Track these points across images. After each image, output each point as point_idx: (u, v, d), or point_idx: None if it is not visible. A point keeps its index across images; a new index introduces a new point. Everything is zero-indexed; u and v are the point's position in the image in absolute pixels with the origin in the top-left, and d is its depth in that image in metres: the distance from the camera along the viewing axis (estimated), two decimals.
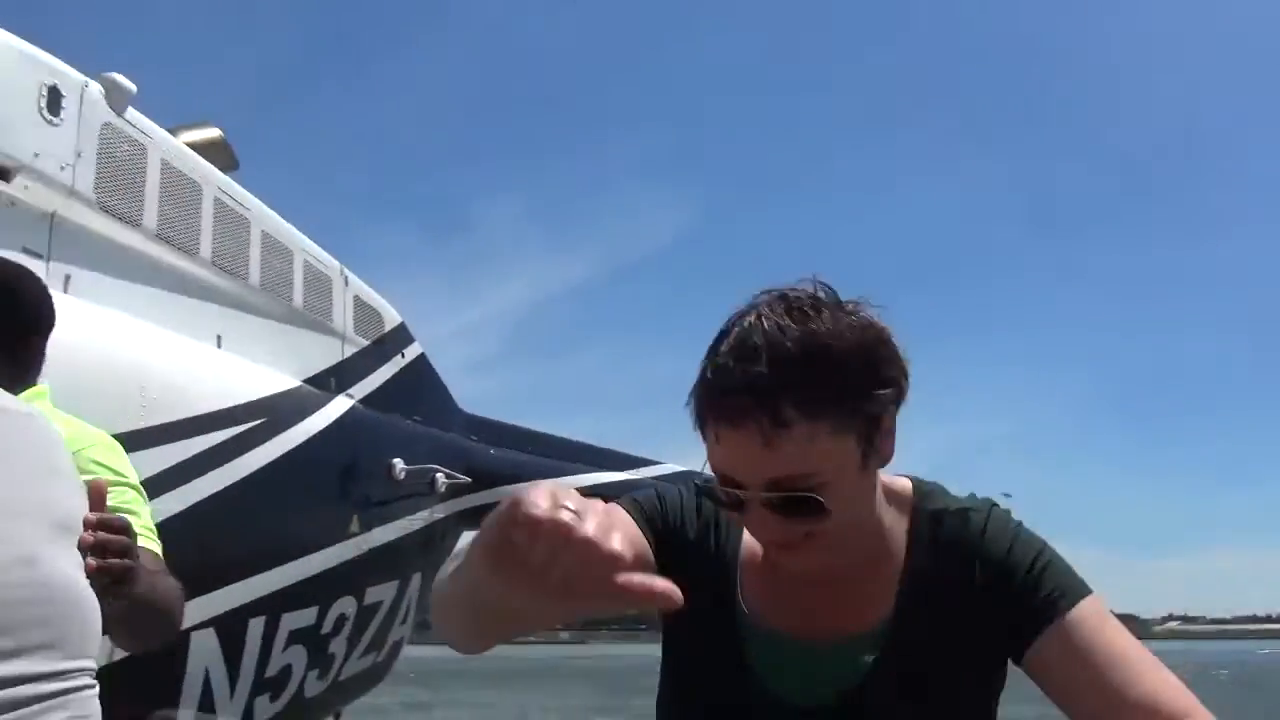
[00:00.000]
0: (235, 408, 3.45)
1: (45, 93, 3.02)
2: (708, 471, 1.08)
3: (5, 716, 1.18)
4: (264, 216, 4.00)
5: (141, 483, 2.61)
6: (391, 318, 4.82)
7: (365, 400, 4.36)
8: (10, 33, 2.96)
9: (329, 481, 3.91)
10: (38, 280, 1.93)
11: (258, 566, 3.36)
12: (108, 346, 3.03)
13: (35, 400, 1.80)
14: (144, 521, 1.75)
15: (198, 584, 3.05)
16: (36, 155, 2.95)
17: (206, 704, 3.08)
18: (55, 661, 1.22)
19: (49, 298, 1.89)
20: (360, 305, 4.56)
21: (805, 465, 1.00)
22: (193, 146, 3.85)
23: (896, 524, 1.16)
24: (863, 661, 1.12)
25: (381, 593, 4.28)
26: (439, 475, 4.63)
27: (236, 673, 3.23)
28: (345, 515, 3.92)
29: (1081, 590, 1.11)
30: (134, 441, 2.94)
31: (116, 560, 1.29)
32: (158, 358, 3.22)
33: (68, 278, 3.04)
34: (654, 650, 1.28)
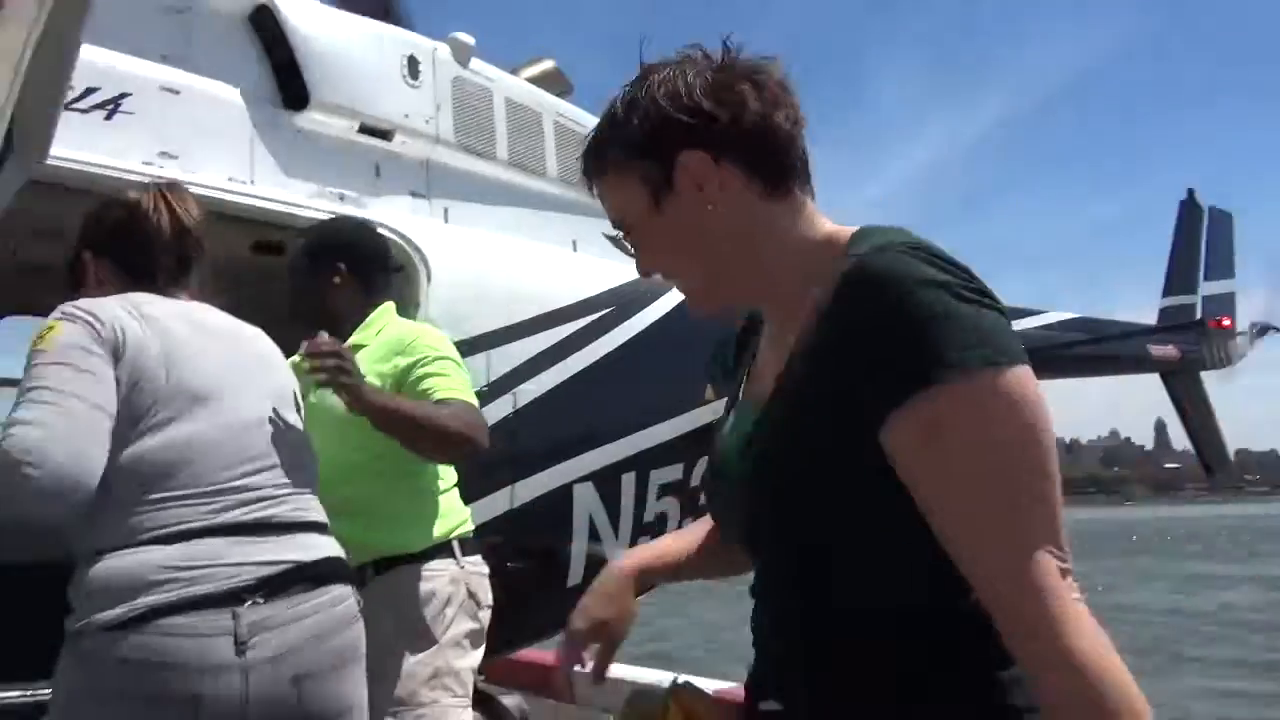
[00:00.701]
0: (594, 298, 4.03)
1: (405, 63, 3.72)
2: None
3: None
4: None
5: (521, 365, 3.35)
6: None
7: None
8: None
9: (680, 354, 4.40)
10: (372, 229, 2.66)
11: (625, 430, 3.95)
12: (484, 261, 3.71)
13: (383, 313, 2.48)
14: (451, 380, 2.31)
15: (576, 444, 3.73)
16: (407, 116, 3.67)
17: (595, 538, 3.75)
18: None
19: (382, 241, 2.62)
20: None
21: (616, 211, 1.17)
22: (532, 80, 4.45)
23: (823, 273, 1.02)
24: (759, 422, 1.09)
25: None
26: None
27: (616, 518, 3.87)
28: (699, 382, 4.39)
29: (972, 361, 0.90)
30: (514, 333, 3.64)
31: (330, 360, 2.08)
32: (525, 265, 3.87)
33: (446, 210, 3.77)
34: None
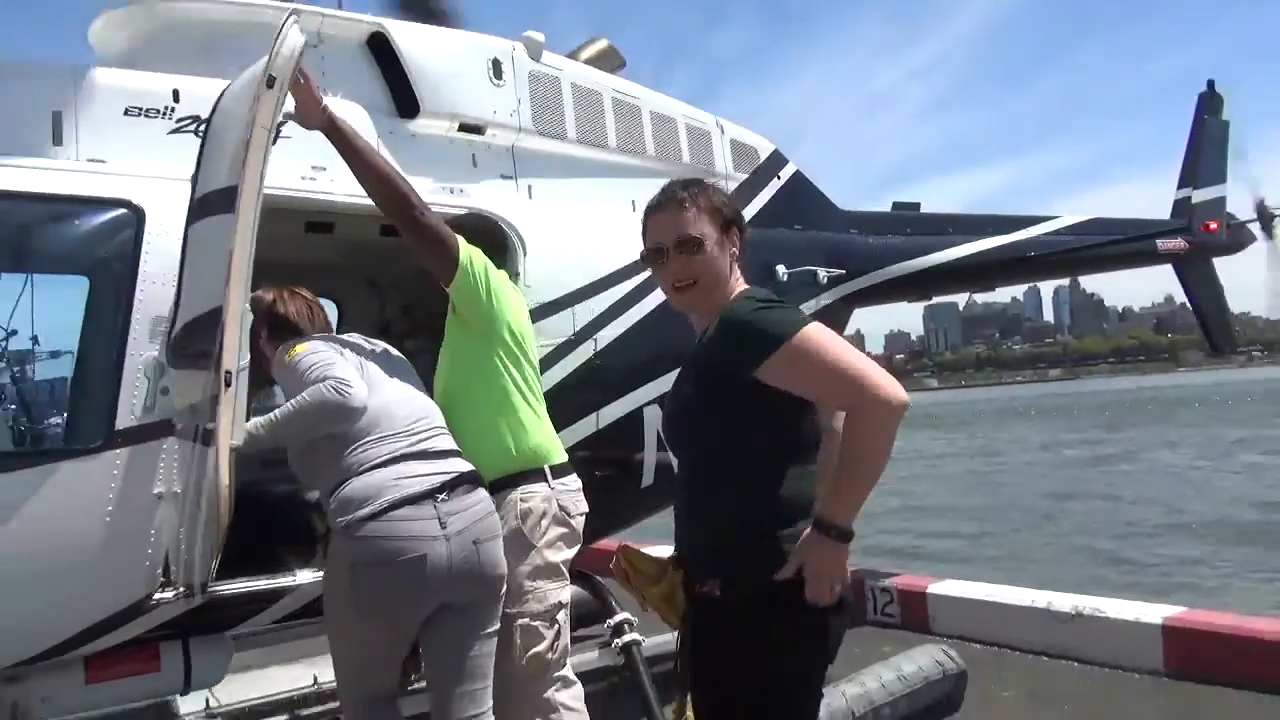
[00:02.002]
0: None
1: (491, 65, 4.47)
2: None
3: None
4: (650, 99, 5.23)
5: (600, 315, 4.26)
6: (765, 148, 5.88)
7: (753, 222, 5.54)
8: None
9: None
10: (493, 222, 3.49)
11: (680, 360, 4.81)
12: (564, 231, 4.52)
13: (473, 255, 3.30)
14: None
15: (644, 375, 4.60)
16: (495, 112, 4.44)
17: (661, 449, 4.68)
18: None
19: (497, 229, 3.45)
20: (736, 146, 5.68)
21: (686, 229, 2.39)
22: (590, 61, 5.16)
23: (724, 304, 2.42)
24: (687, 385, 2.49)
25: None
26: (819, 272, 5.74)
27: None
28: None
29: (785, 332, 2.22)
30: (592, 290, 4.48)
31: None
32: (589, 229, 4.68)
33: (529, 188, 4.57)
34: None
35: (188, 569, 3.19)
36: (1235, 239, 8.39)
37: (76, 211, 3.40)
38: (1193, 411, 49.65)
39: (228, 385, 2.75)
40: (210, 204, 2.93)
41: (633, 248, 4.72)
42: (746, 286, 2.47)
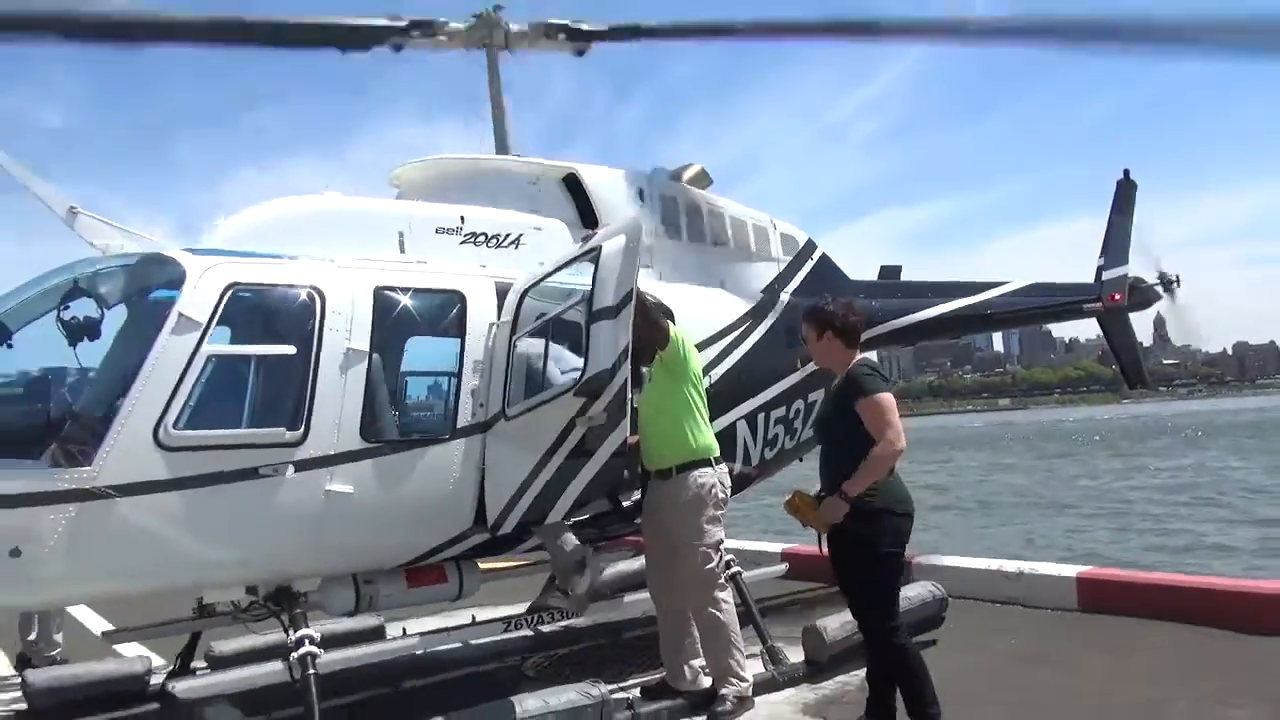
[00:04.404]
0: (739, 315, 7.14)
1: (637, 193, 6.73)
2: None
3: None
4: (730, 208, 7.52)
5: (710, 360, 6.59)
6: (803, 237, 8.20)
7: (794, 293, 7.84)
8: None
9: (785, 341, 7.49)
10: (654, 300, 5.63)
11: (757, 389, 7.10)
12: (683, 302, 6.74)
13: (681, 334, 5.48)
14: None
15: (738, 399, 6.86)
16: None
17: (745, 458, 6.92)
18: None
19: (662, 308, 5.58)
20: (784, 237, 7.99)
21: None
22: (689, 181, 7.43)
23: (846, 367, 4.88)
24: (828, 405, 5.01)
25: (812, 398, 7.85)
26: None
27: (754, 438, 7.05)
28: (792, 357, 7.49)
29: (869, 391, 4.60)
30: (705, 344, 6.71)
31: None
32: (698, 301, 6.91)
33: (660, 275, 6.80)
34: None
35: (503, 514, 5.30)
36: (1143, 298, 10.76)
37: (430, 294, 5.56)
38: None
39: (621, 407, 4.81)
40: (602, 314, 4.93)
41: (725, 313, 7.04)
42: (862, 357, 4.84)
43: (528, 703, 4.90)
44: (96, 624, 7.83)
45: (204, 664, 6.63)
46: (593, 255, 5.07)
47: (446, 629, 6.30)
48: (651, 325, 5.31)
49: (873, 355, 8.88)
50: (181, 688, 5.70)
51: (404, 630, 6.76)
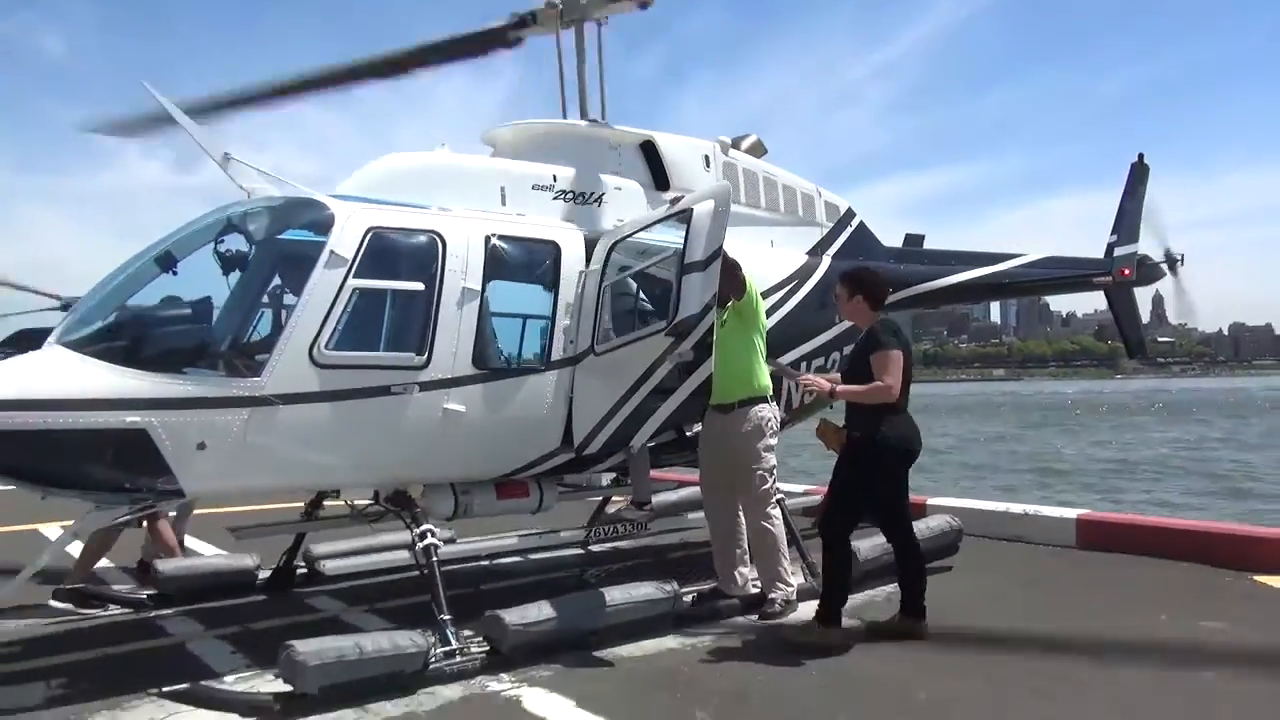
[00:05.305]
0: (791, 272, 7.94)
1: (703, 159, 7.48)
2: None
3: None
4: (782, 176, 8.28)
5: (769, 307, 7.38)
6: (844, 205, 8.96)
7: (835, 255, 8.63)
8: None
9: (823, 299, 8.29)
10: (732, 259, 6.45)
11: (801, 340, 7.92)
12: (747, 259, 7.48)
13: (754, 286, 6.32)
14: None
15: (784, 349, 7.69)
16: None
17: (788, 403, 7.76)
18: None
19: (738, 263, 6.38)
20: (828, 204, 8.76)
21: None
22: (747, 150, 8.17)
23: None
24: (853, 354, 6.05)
25: (847, 350, 8.67)
26: None
27: (797, 384, 7.87)
28: (831, 315, 8.29)
29: (883, 345, 5.60)
30: (763, 295, 7.48)
31: None
32: (755, 258, 7.67)
33: None
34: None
35: (589, 437, 6.14)
36: (1148, 275, 11.54)
37: (530, 243, 6.34)
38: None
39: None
40: (693, 267, 5.71)
41: (778, 269, 7.84)
42: (885, 318, 5.80)
43: (613, 593, 5.78)
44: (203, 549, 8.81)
45: (302, 564, 7.53)
46: (684, 216, 5.85)
47: (524, 533, 7.18)
48: (732, 277, 6.11)
49: (905, 314, 9.80)
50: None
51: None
